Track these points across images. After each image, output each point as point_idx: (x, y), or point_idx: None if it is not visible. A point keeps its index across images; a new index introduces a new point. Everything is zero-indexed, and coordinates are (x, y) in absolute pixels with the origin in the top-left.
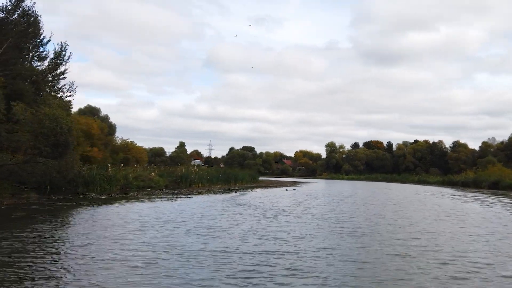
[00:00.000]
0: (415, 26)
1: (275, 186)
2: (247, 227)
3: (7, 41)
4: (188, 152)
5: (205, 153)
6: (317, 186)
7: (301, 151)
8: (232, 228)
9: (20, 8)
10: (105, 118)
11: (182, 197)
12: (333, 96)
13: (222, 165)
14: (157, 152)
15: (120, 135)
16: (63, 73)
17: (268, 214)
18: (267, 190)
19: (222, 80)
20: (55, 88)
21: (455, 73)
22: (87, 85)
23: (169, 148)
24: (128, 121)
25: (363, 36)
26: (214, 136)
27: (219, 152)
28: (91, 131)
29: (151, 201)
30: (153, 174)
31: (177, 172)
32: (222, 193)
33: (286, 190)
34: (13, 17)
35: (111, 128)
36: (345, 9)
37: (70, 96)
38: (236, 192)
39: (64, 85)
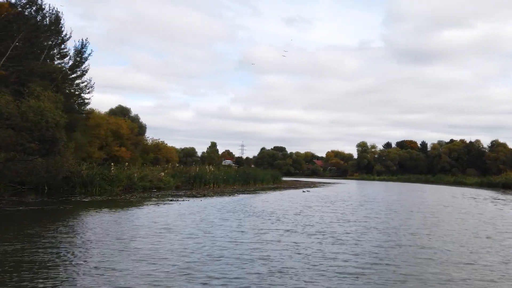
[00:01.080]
0: (450, 23)
1: (296, 187)
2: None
3: (19, 36)
4: (220, 152)
5: (237, 154)
6: (342, 187)
7: (332, 151)
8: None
9: (35, 3)
10: (136, 119)
11: (178, 200)
12: (367, 96)
13: (252, 165)
14: (189, 152)
15: (151, 135)
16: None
17: (245, 219)
18: (281, 192)
19: (256, 81)
20: (74, 85)
21: (493, 70)
22: (126, 88)
23: (203, 149)
24: (165, 123)
25: (396, 34)
26: (247, 137)
27: (252, 152)
28: (120, 131)
29: (137, 206)
30: (162, 174)
31: (191, 172)
32: (230, 195)
33: (303, 192)
34: (27, 11)
35: (141, 128)
36: (377, 7)
37: (88, 92)
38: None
39: (83, 82)
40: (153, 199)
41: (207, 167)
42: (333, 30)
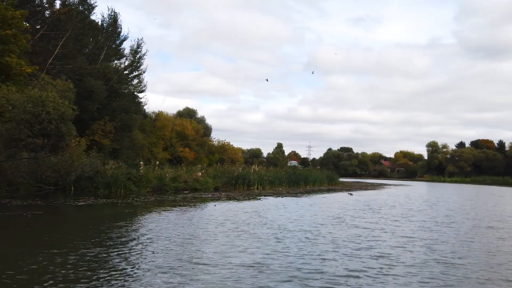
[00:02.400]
0: None
1: (350, 189)
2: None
3: (66, 34)
4: (287, 153)
5: (304, 155)
6: (405, 189)
7: (401, 152)
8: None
9: (85, 2)
10: (202, 120)
11: (197, 206)
12: (438, 95)
13: (318, 167)
14: (254, 153)
15: (217, 137)
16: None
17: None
18: (324, 195)
19: (323, 82)
20: (129, 85)
21: None
22: (201, 92)
23: (271, 150)
24: (236, 125)
25: (469, 30)
26: (315, 138)
27: (319, 153)
28: (185, 132)
29: (156, 211)
30: (199, 174)
31: (233, 172)
32: (259, 199)
33: (350, 194)
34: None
35: (207, 129)
36: (447, 2)
37: (140, 92)
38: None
39: (138, 82)
40: (173, 203)
41: (253, 167)
42: (402, 28)
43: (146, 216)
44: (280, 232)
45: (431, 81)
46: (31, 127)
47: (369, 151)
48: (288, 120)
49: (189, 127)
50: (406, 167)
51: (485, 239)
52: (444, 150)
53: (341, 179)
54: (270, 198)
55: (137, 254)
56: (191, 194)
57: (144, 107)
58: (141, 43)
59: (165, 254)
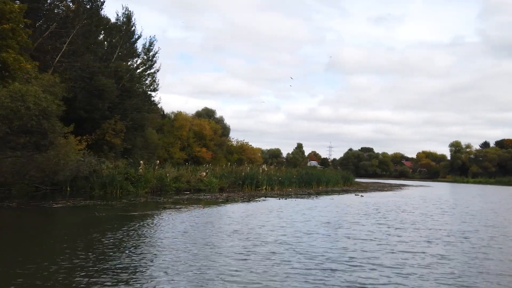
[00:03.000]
0: None
1: (365, 190)
2: None
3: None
4: (307, 153)
5: (325, 155)
6: (424, 190)
7: (423, 152)
8: None
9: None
10: (220, 120)
11: (183, 209)
12: (462, 94)
13: (338, 167)
14: (274, 153)
15: (236, 137)
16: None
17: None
18: (332, 197)
19: (344, 82)
20: (142, 84)
21: None
22: (222, 93)
23: (291, 150)
24: (258, 126)
25: (493, 28)
26: (336, 138)
27: (340, 154)
28: (203, 132)
29: (127, 218)
30: (204, 174)
31: (240, 173)
32: (257, 201)
33: (361, 196)
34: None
35: (225, 130)
36: (470, 0)
37: (154, 90)
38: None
39: (151, 81)
40: (159, 205)
41: (262, 167)
42: (424, 27)
43: (105, 225)
44: (252, 246)
45: (454, 80)
46: (9, 124)
47: (391, 151)
48: (308, 120)
49: (207, 127)
50: (428, 168)
51: (502, 255)
52: (468, 150)
53: (360, 180)
54: (272, 200)
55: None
56: (190, 195)
57: (161, 107)
58: (153, 41)
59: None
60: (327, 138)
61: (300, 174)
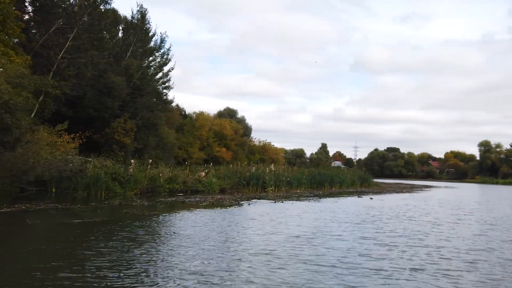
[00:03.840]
0: None
1: (381, 192)
2: None
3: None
4: (331, 153)
5: (350, 155)
6: (443, 193)
7: (451, 152)
8: None
9: None
10: (242, 120)
11: (155, 216)
12: (493, 93)
13: (363, 167)
14: (297, 153)
15: (260, 137)
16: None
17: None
18: (336, 199)
19: (371, 82)
20: (154, 81)
21: None
22: (249, 94)
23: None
24: (285, 126)
25: None
26: (362, 139)
27: (366, 154)
28: (223, 131)
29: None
30: (203, 174)
31: (245, 173)
32: (240, 206)
33: (370, 198)
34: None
35: (247, 129)
36: None
37: (166, 88)
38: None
39: (166, 79)
40: (132, 210)
41: (270, 166)
42: (452, 24)
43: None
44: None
45: (485, 78)
46: None
47: (419, 151)
48: (335, 120)
49: (227, 127)
50: (456, 168)
51: None
52: (498, 149)
53: (381, 180)
54: (264, 203)
55: None
56: (178, 197)
57: (183, 107)
58: (164, 38)
59: None
60: (353, 138)
61: (312, 174)
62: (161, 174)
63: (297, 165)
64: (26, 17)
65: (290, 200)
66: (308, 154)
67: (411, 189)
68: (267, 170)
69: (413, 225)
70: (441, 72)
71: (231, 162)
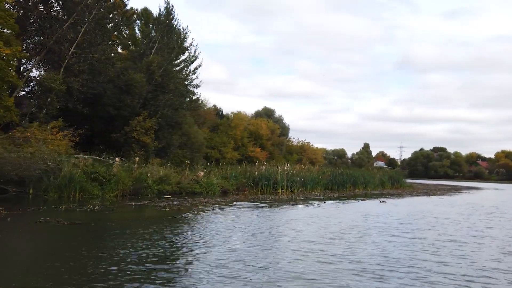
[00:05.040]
0: None
1: (414, 194)
2: None
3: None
4: (374, 153)
5: (395, 156)
6: (484, 196)
7: (502, 152)
8: None
9: None
10: (279, 119)
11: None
12: None
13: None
14: (338, 154)
15: (301, 138)
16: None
17: None
18: (343, 203)
19: (417, 81)
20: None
21: None
22: (293, 95)
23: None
24: (329, 127)
25: None
26: (409, 139)
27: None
28: (259, 131)
29: None
30: (201, 173)
31: (253, 173)
32: (222, 212)
33: (380, 202)
34: None
35: (284, 129)
36: None
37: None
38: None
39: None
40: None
41: (284, 166)
42: (502, 19)
43: None
44: None
45: None
46: None
47: (467, 151)
48: (380, 120)
49: (263, 127)
50: (507, 168)
51: None
52: None
53: (424, 181)
54: (249, 209)
55: None
56: (161, 201)
57: (220, 107)
58: (186, 32)
59: None
60: (398, 138)
61: (333, 174)
62: (149, 174)
63: (338, 165)
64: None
65: (291, 203)
66: (348, 154)
67: (448, 191)
68: (279, 170)
69: (416, 244)
70: (491, 69)
71: (267, 162)
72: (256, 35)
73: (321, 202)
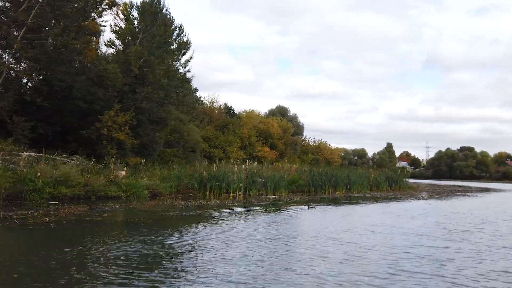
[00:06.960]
0: None
1: (416, 196)
2: None
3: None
4: (398, 153)
5: (420, 156)
6: (492, 200)
7: None
8: None
9: None
10: (293, 118)
11: None
12: None
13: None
14: (359, 154)
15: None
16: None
17: None
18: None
19: (445, 79)
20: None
21: None
22: (319, 96)
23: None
24: (355, 127)
25: None
26: (437, 139)
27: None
28: (270, 130)
29: None
30: (122, 173)
31: (201, 172)
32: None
33: (309, 207)
34: None
35: (298, 128)
36: None
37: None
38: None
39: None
40: None
41: (245, 164)
42: None
43: None
44: None
45: None
46: None
47: (497, 151)
48: (407, 120)
49: (275, 125)
50: None
51: None
52: None
53: (443, 182)
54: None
55: None
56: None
57: (231, 106)
58: (173, 20)
59: None
60: (425, 138)
61: (311, 174)
62: (38, 174)
63: (359, 165)
64: None
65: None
66: (368, 154)
67: (453, 192)
68: (235, 169)
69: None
70: None
71: (275, 162)
72: (280, 36)
73: (240, 211)
